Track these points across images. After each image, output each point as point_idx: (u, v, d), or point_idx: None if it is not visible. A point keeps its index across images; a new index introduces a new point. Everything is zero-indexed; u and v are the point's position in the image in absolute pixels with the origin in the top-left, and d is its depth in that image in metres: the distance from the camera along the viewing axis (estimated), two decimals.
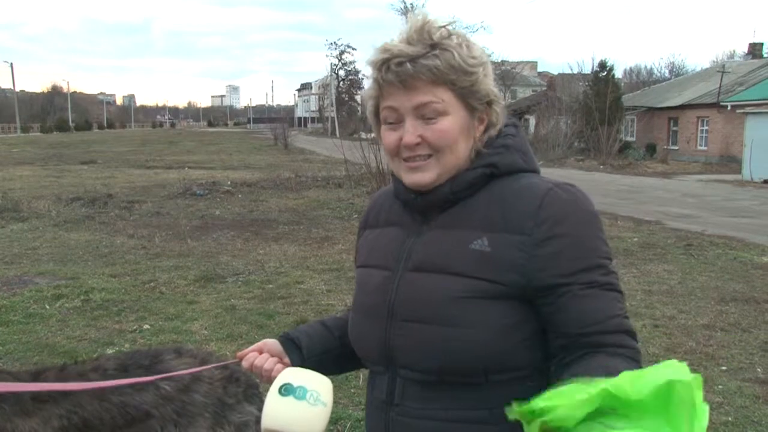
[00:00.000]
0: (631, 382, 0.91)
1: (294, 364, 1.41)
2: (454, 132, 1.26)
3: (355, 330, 1.40)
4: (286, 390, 1.22)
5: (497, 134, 1.32)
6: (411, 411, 1.28)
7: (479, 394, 1.24)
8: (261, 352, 1.44)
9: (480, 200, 1.28)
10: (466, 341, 1.21)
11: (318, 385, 1.25)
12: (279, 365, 1.40)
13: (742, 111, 25.33)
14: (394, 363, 1.29)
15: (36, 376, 2.31)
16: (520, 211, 1.23)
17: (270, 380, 1.39)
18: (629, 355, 1.17)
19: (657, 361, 0.95)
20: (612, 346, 1.17)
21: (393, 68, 1.23)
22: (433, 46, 1.23)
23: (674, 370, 0.91)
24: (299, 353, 1.44)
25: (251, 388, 2.55)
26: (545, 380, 1.30)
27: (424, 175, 1.28)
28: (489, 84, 1.28)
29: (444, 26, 1.25)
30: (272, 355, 1.43)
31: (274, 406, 1.22)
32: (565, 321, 1.19)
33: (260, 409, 2.54)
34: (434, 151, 1.26)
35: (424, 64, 1.22)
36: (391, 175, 1.41)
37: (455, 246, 1.26)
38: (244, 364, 1.44)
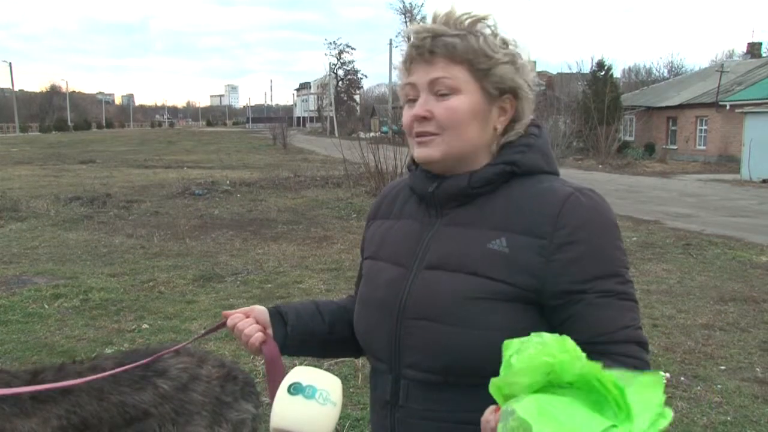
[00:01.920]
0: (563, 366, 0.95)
1: (276, 338, 1.41)
2: (462, 110, 1.26)
3: (362, 324, 1.38)
4: (295, 389, 1.21)
5: (522, 133, 1.32)
6: (417, 412, 1.27)
7: (487, 395, 1.23)
8: (248, 317, 1.43)
9: (499, 199, 1.27)
10: (477, 342, 1.20)
11: (327, 384, 1.24)
12: (260, 334, 1.38)
13: (740, 110, 25.36)
14: (400, 362, 1.28)
15: (34, 376, 2.30)
16: (540, 214, 1.22)
17: (247, 346, 1.39)
18: (634, 364, 1.15)
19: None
20: (619, 356, 1.16)
21: (415, 42, 1.27)
22: (461, 29, 1.26)
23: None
24: (284, 329, 1.43)
25: (248, 386, 2.55)
26: None
27: (429, 150, 1.28)
28: (514, 74, 1.28)
29: (477, 15, 1.28)
30: (257, 323, 1.42)
31: (283, 406, 1.20)
32: (576, 329, 1.17)
33: (257, 407, 2.55)
34: (441, 129, 1.27)
35: (444, 40, 1.25)
36: (407, 169, 1.42)
37: (473, 245, 1.24)
38: (228, 323, 1.42)
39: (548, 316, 1.21)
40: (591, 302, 1.18)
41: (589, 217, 1.22)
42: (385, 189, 1.54)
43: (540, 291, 1.20)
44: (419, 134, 1.29)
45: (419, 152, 1.30)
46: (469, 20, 1.27)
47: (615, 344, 1.17)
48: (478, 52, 1.25)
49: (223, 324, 1.45)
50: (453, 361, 1.21)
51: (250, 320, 1.41)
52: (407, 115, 1.31)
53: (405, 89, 1.32)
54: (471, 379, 1.22)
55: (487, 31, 1.28)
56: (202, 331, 1.53)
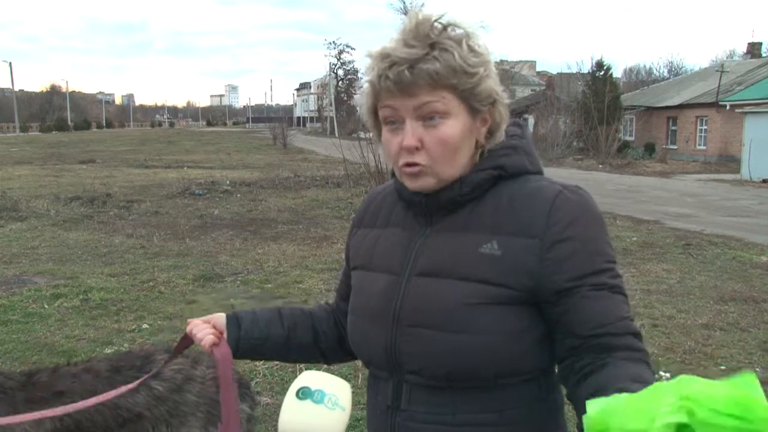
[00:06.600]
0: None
1: (229, 342, 1.41)
2: (455, 138, 1.21)
3: (357, 334, 1.37)
4: (303, 393, 1.20)
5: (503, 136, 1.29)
6: (418, 416, 1.26)
7: (488, 397, 1.23)
8: (209, 323, 1.45)
9: (487, 203, 1.26)
10: (476, 347, 1.19)
11: (336, 388, 1.23)
12: (210, 337, 1.39)
13: (741, 110, 25.35)
14: (401, 369, 1.27)
15: (29, 377, 2.30)
16: (530, 214, 1.21)
17: (201, 346, 1.41)
18: (642, 358, 1.16)
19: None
20: (622, 349, 1.15)
21: (391, 76, 1.17)
22: (432, 45, 1.18)
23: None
24: (237, 333, 1.44)
25: (243, 387, 2.55)
26: (551, 381, 1.30)
27: (422, 182, 1.24)
28: (491, 83, 1.23)
29: (441, 21, 1.20)
30: (215, 328, 1.43)
31: (292, 411, 1.20)
32: (575, 322, 1.17)
33: (252, 408, 2.55)
34: (432, 160, 1.21)
35: (424, 68, 1.16)
36: (391, 175, 1.38)
37: (464, 250, 1.23)
38: (188, 329, 1.45)
39: (545, 313, 1.21)
40: (585, 295, 1.17)
41: (579, 214, 1.21)
42: (371, 194, 1.51)
43: (535, 290, 1.19)
44: (408, 165, 1.22)
45: (412, 184, 1.25)
46: (439, 28, 1.19)
47: (616, 336, 1.16)
48: (459, 72, 1.17)
49: (188, 337, 1.45)
50: (455, 367, 1.21)
51: (205, 325, 1.43)
52: (393, 143, 1.23)
53: (385, 111, 1.24)
54: (471, 382, 1.22)
55: (455, 36, 1.19)
56: (172, 351, 1.55)
